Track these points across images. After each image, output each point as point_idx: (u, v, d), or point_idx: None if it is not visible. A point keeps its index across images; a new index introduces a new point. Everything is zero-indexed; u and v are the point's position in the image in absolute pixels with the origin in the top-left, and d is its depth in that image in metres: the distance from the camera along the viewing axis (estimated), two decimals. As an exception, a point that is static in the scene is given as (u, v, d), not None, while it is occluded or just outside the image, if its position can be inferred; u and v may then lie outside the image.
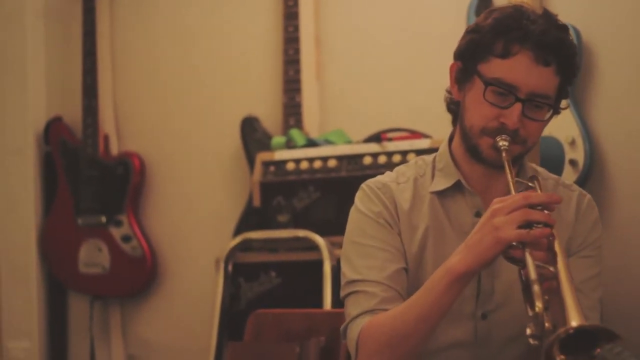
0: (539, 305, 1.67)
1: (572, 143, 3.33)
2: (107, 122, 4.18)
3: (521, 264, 1.77)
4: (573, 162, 3.32)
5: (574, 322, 1.61)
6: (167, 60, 4.20)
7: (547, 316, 1.67)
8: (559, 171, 3.31)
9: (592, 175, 3.34)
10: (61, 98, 4.28)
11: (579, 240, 2.04)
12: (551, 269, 1.73)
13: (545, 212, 1.78)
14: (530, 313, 1.70)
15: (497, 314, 2.00)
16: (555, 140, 3.35)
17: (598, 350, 1.63)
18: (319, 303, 3.39)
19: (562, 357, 1.63)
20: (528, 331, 1.68)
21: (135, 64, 4.25)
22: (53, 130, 4.19)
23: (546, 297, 1.69)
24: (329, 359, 2.41)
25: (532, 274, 1.71)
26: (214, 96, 4.10)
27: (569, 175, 3.31)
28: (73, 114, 4.21)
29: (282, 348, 2.48)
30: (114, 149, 4.18)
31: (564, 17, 3.29)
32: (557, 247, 1.76)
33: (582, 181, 3.30)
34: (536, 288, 1.69)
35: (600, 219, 2.10)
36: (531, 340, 1.68)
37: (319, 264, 3.45)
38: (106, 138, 4.16)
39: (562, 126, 3.34)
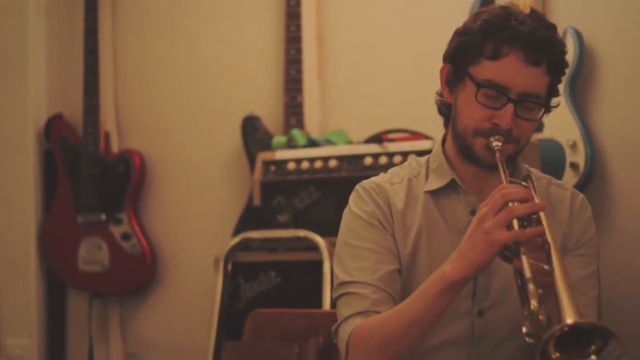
0: (534, 303, 1.68)
1: (573, 146, 3.33)
2: (108, 120, 4.17)
3: (514, 266, 1.78)
4: (574, 165, 3.32)
5: (569, 320, 1.61)
6: (169, 59, 4.20)
7: (541, 311, 1.68)
8: (559, 174, 3.31)
9: (593, 178, 3.34)
10: (62, 95, 4.28)
11: (574, 239, 2.04)
12: (545, 267, 1.74)
13: (530, 202, 1.79)
14: (526, 312, 1.71)
15: (493, 311, 2.00)
16: (556, 143, 3.35)
17: (593, 347, 1.63)
18: (318, 303, 3.40)
19: (557, 354, 1.63)
20: (524, 329, 1.70)
21: (136, 62, 4.25)
22: (54, 127, 4.18)
23: (540, 292, 1.70)
24: (328, 359, 2.41)
25: (527, 272, 1.72)
26: (216, 95, 4.10)
27: (569, 178, 3.31)
28: (74, 112, 4.20)
29: (281, 348, 2.48)
30: (115, 147, 4.18)
31: (566, 21, 3.31)
32: (551, 244, 1.76)
33: (583, 184, 3.30)
34: (531, 287, 1.70)
35: (593, 218, 2.11)
36: (527, 339, 1.70)
37: (319, 264, 3.45)
38: (107, 136, 4.16)
39: (563, 129, 3.34)
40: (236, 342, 2.61)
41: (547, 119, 3.32)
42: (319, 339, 2.43)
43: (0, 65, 4.21)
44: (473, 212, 1.99)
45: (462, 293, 1.90)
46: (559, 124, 3.33)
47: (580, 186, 3.27)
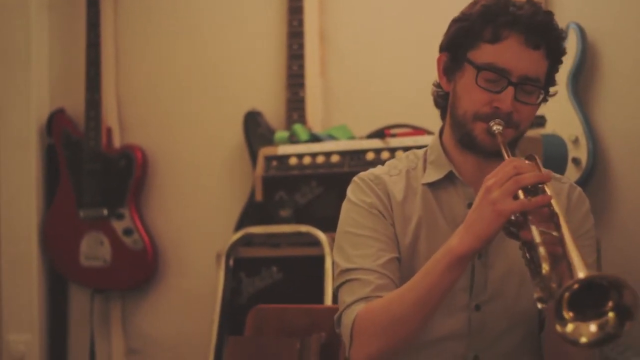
0: (545, 267, 1.67)
1: (576, 141, 3.33)
2: (110, 115, 4.17)
3: (522, 237, 1.77)
4: (576, 161, 3.32)
5: (582, 274, 1.60)
6: (171, 54, 4.20)
7: (553, 276, 1.67)
8: (562, 169, 3.30)
9: (595, 173, 3.34)
10: (64, 90, 4.28)
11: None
12: (554, 233, 1.73)
13: (537, 172, 1.79)
14: (537, 279, 1.71)
15: (490, 306, 1.99)
16: (558, 138, 3.34)
17: (610, 303, 1.62)
18: (320, 299, 3.40)
19: (571, 314, 1.62)
20: (535, 295, 1.69)
21: (138, 57, 4.25)
22: (56, 122, 4.18)
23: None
24: (330, 354, 2.41)
25: (537, 238, 1.71)
26: (218, 90, 4.10)
27: (571, 173, 3.31)
28: (76, 107, 4.20)
29: (283, 343, 2.47)
30: (117, 142, 4.18)
31: (568, 16, 3.31)
32: (559, 214, 1.75)
33: (585, 180, 3.30)
34: (542, 250, 1.69)
35: (594, 213, 2.11)
36: (539, 304, 1.70)
37: (321, 259, 3.45)
38: (109, 131, 4.16)
39: (565, 125, 3.34)
40: (238, 338, 2.60)
41: (549, 115, 3.33)
42: (321, 334, 2.42)
43: (3, 60, 4.22)
44: (470, 205, 1.99)
45: (459, 286, 1.91)
46: (561, 119, 3.33)
47: (582, 182, 3.27)
